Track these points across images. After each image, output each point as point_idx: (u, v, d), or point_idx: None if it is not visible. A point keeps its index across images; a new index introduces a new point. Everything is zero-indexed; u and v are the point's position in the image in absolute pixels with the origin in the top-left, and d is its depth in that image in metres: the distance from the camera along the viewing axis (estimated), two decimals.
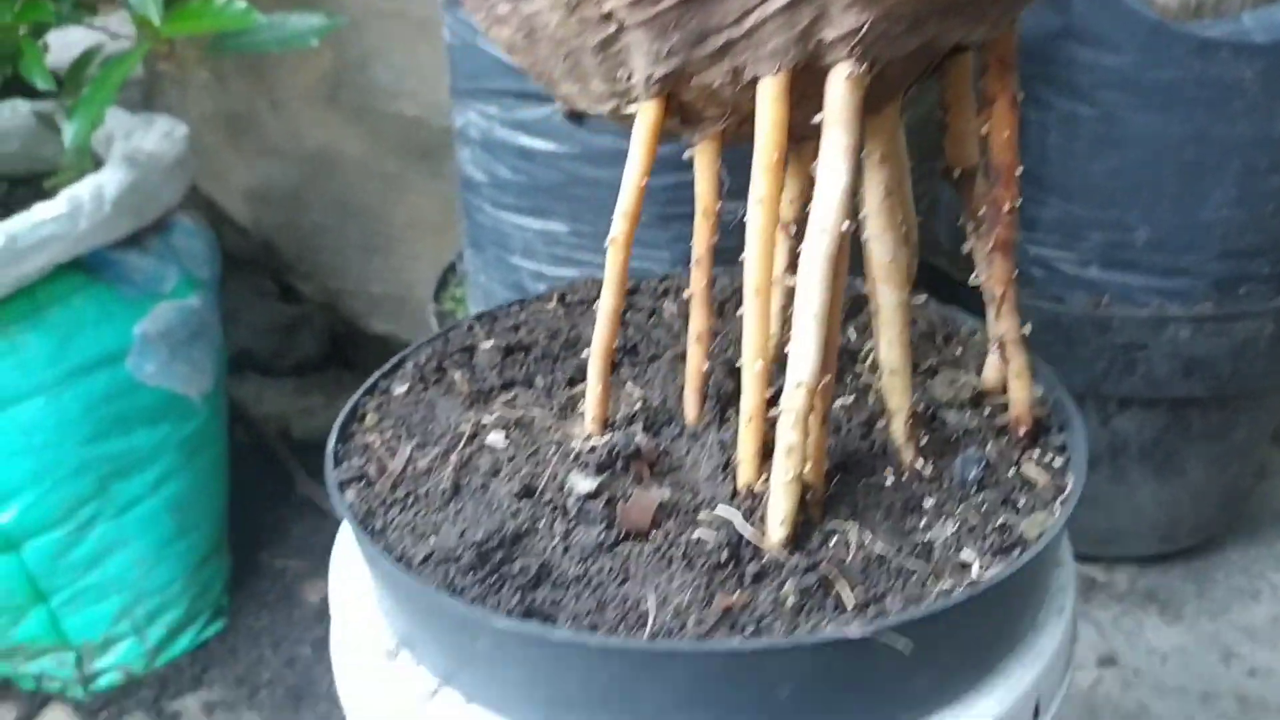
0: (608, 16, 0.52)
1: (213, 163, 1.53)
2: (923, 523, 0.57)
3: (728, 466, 0.58)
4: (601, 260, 0.59)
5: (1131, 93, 1.03)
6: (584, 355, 0.63)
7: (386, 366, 0.71)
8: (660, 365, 0.69)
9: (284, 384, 1.62)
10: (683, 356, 0.66)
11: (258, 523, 1.38)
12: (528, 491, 0.58)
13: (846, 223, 0.51)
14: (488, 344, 0.73)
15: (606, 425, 0.62)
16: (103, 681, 1.18)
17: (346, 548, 0.64)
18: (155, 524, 1.15)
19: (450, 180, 1.29)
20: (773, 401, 0.54)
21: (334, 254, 1.57)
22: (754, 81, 0.52)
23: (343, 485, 0.61)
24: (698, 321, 0.61)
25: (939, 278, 1.14)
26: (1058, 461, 0.61)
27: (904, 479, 0.59)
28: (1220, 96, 1.01)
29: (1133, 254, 1.09)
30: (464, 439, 0.63)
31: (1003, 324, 0.62)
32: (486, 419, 0.65)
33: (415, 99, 1.39)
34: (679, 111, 0.56)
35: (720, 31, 0.51)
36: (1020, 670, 0.55)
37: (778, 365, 0.56)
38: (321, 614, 1.27)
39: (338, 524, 0.64)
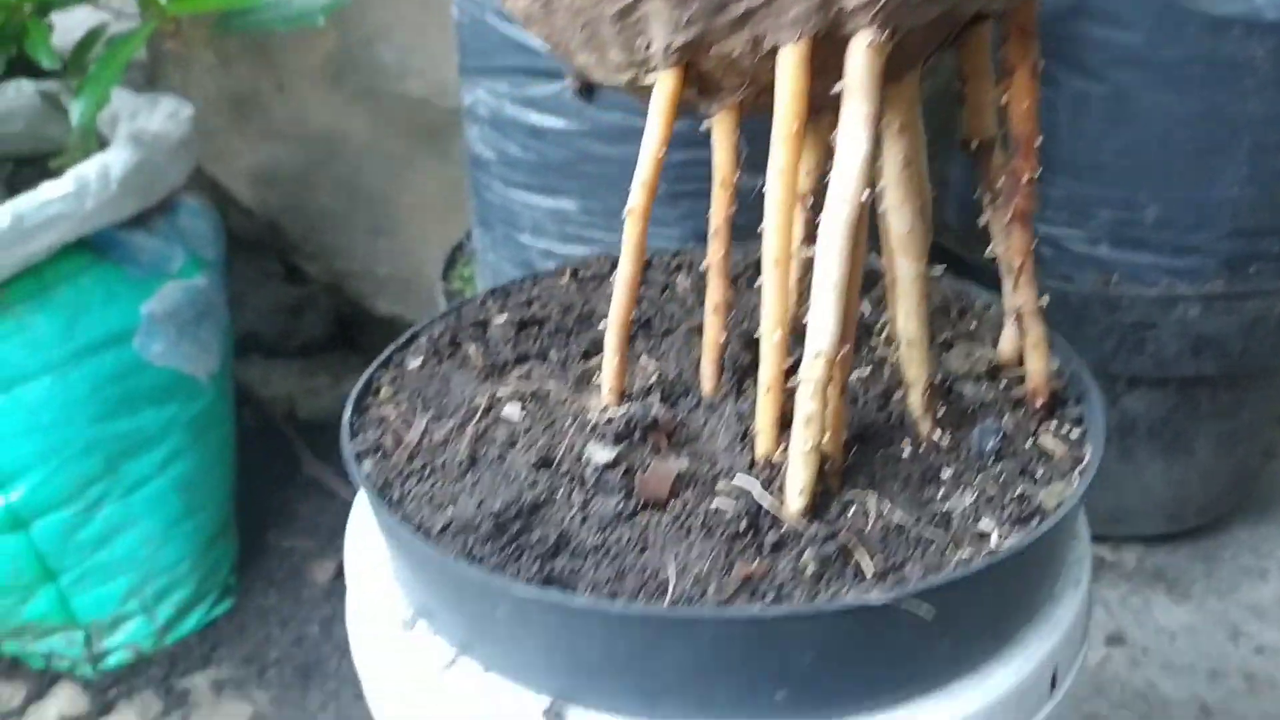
0: None
1: (217, 144, 1.53)
2: (941, 493, 0.57)
3: (745, 437, 0.58)
4: (611, 238, 0.59)
5: (1142, 70, 1.02)
6: (598, 329, 0.63)
7: (400, 340, 0.71)
8: (675, 339, 0.69)
9: (290, 365, 1.62)
10: (698, 330, 0.65)
11: (264, 503, 1.38)
12: (545, 462, 0.58)
13: (866, 192, 0.51)
14: (501, 318, 0.73)
15: (623, 397, 0.62)
16: (111, 660, 1.19)
17: (362, 519, 0.64)
18: (163, 503, 1.15)
19: (457, 161, 1.29)
20: (791, 372, 0.54)
21: (340, 235, 1.56)
22: (774, 51, 0.52)
23: (359, 456, 0.61)
24: (715, 293, 0.61)
25: (947, 257, 1.13)
26: (1075, 433, 0.61)
27: (921, 450, 0.59)
28: (1231, 74, 1.00)
29: (1142, 232, 1.09)
30: (480, 411, 0.63)
31: (1020, 295, 0.62)
32: (502, 391, 0.64)
33: (421, 78, 1.38)
34: (697, 81, 0.56)
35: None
36: (1038, 641, 0.55)
37: (795, 336, 0.56)
38: (329, 593, 1.27)
39: (344, 504, 0.64)
